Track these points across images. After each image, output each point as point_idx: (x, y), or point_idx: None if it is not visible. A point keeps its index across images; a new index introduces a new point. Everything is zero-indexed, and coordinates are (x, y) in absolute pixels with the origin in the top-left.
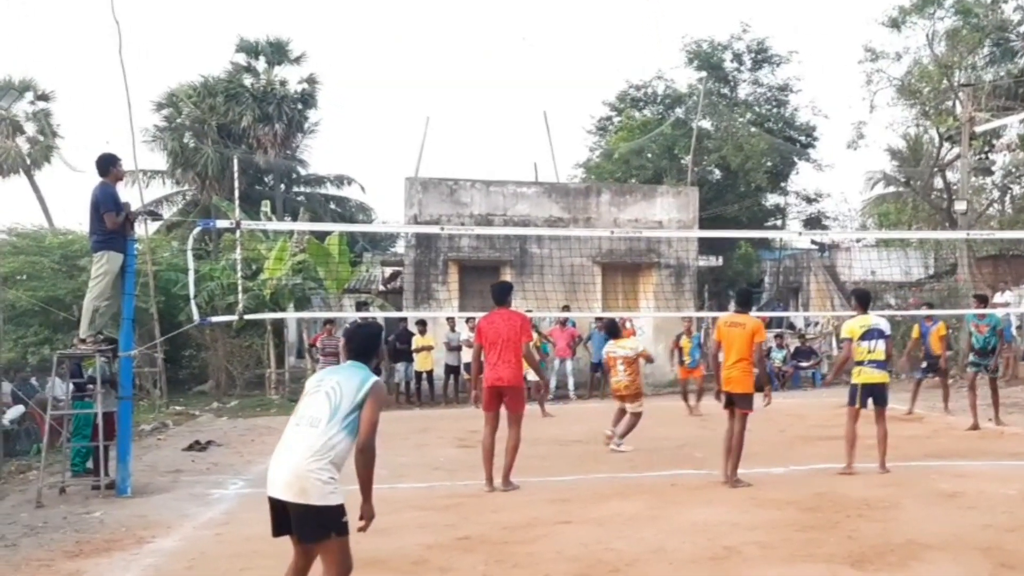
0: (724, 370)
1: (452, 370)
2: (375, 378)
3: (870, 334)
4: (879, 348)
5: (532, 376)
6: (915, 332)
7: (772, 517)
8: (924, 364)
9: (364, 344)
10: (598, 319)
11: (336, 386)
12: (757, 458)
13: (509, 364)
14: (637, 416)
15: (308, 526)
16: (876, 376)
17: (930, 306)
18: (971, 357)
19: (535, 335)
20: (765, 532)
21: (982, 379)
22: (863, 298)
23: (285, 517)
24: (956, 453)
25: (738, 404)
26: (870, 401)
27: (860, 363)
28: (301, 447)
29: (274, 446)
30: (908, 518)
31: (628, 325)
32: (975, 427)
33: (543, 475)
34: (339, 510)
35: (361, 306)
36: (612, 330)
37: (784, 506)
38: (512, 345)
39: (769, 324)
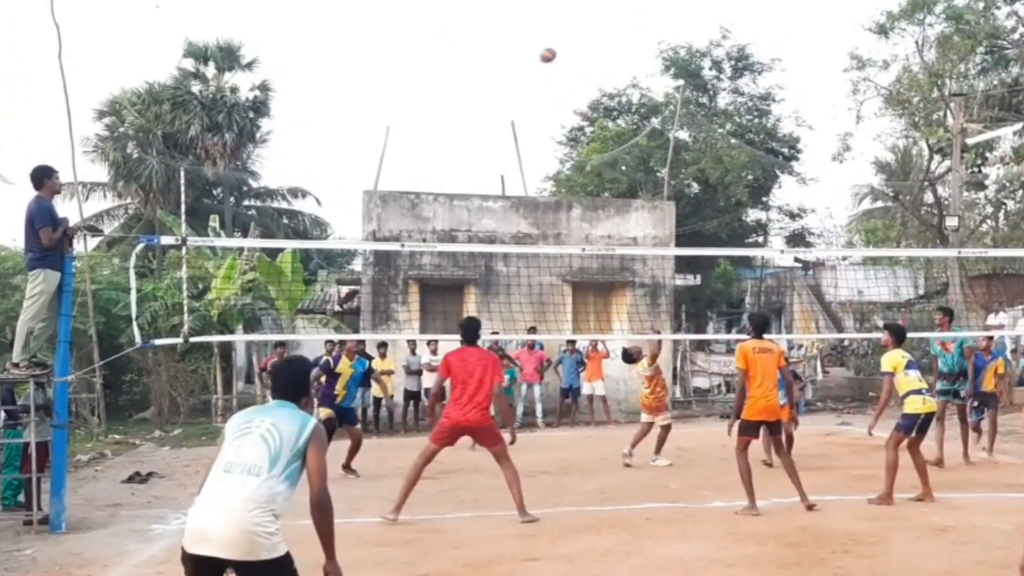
0: (763, 399)
1: (412, 396)
2: (314, 420)
3: (912, 364)
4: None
5: None
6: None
7: (752, 553)
8: (975, 403)
9: (293, 382)
10: (569, 342)
11: (272, 429)
12: (736, 489)
13: (479, 406)
14: (666, 429)
15: None
16: (934, 405)
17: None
18: (939, 384)
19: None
20: (744, 569)
21: (951, 411)
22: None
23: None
24: (948, 484)
25: (779, 430)
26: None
27: (918, 392)
28: (240, 499)
29: None
30: (898, 554)
31: (600, 348)
32: (939, 462)
33: (509, 508)
34: (288, 558)
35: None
36: (628, 359)
37: (765, 541)
38: (484, 387)
39: None
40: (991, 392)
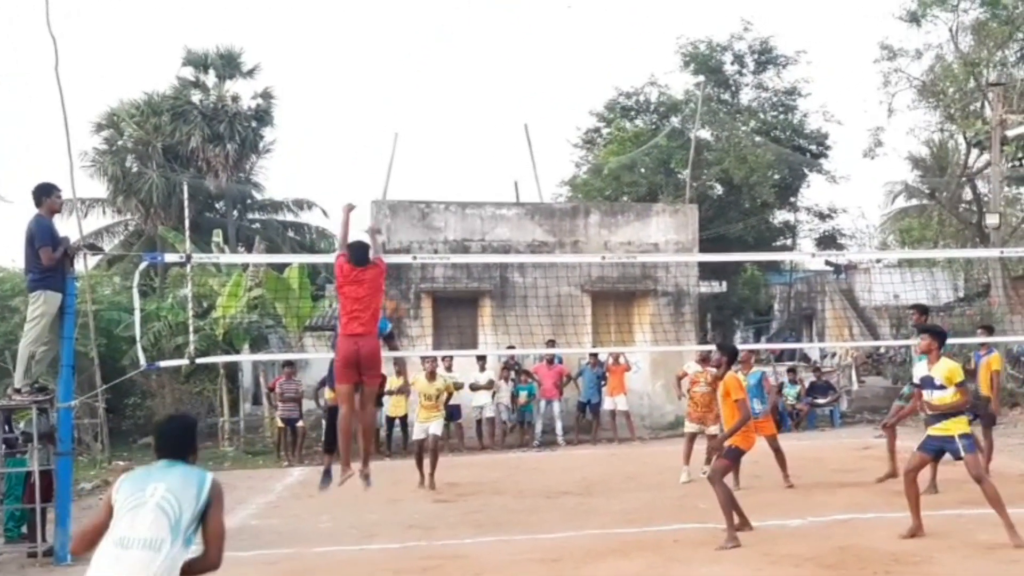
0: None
1: None
2: (211, 476)
3: None
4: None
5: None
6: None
7: (789, 575)
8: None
9: (179, 439)
10: (592, 355)
11: (168, 495)
12: (770, 508)
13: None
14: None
15: None
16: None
17: (989, 329)
18: (904, 388)
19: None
20: None
21: (915, 420)
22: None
23: None
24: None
25: None
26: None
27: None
28: None
29: (229, 504)
30: (943, 574)
31: (621, 360)
32: (891, 475)
33: (531, 531)
34: None
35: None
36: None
37: (802, 563)
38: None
39: (780, 356)
40: (986, 397)
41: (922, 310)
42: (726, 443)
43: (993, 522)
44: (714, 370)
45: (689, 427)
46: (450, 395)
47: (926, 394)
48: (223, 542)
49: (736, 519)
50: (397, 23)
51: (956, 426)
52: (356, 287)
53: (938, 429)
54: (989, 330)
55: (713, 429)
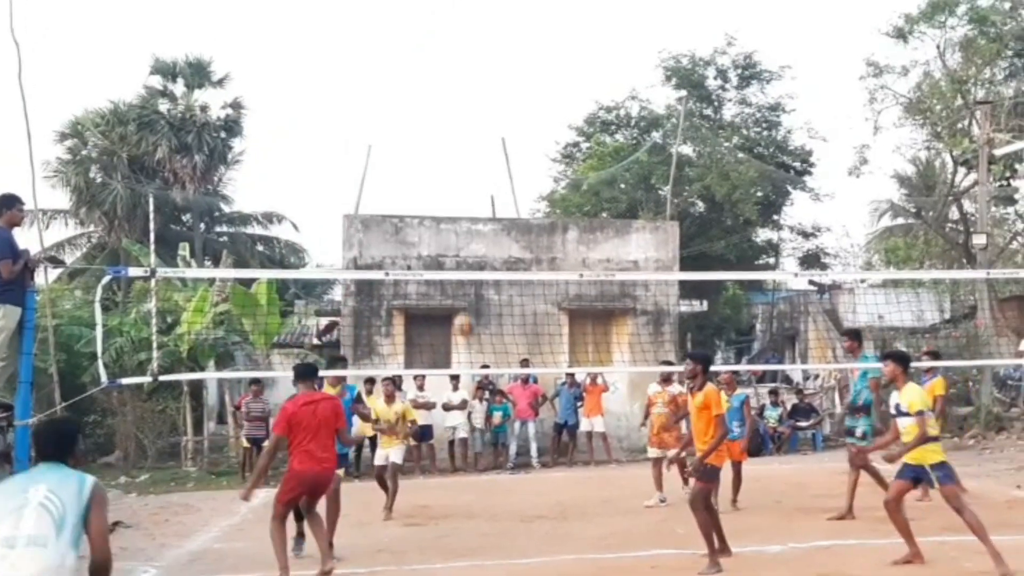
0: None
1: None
2: (92, 479)
3: None
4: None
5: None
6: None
7: None
8: None
9: (58, 442)
10: (568, 375)
11: (51, 495)
12: (750, 533)
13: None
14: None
15: None
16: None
17: (934, 355)
18: (847, 421)
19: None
20: None
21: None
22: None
23: None
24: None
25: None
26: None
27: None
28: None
29: (192, 526)
30: None
31: (599, 381)
32: (846, 515)
33: (504, 556)
34: None
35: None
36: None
37: None
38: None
39: (762, 378)
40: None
41: (854, 335)
42: (703, 463)
43: (977, 549)
44: (674, 389)
45: (651, 452)
46: (412, 421)
47: (900, 422)
48: (106, 541)
49: (717, 543)
50: (372, 33)
51: (929, 455)
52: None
53: (912, 457)
54: (935, 355)
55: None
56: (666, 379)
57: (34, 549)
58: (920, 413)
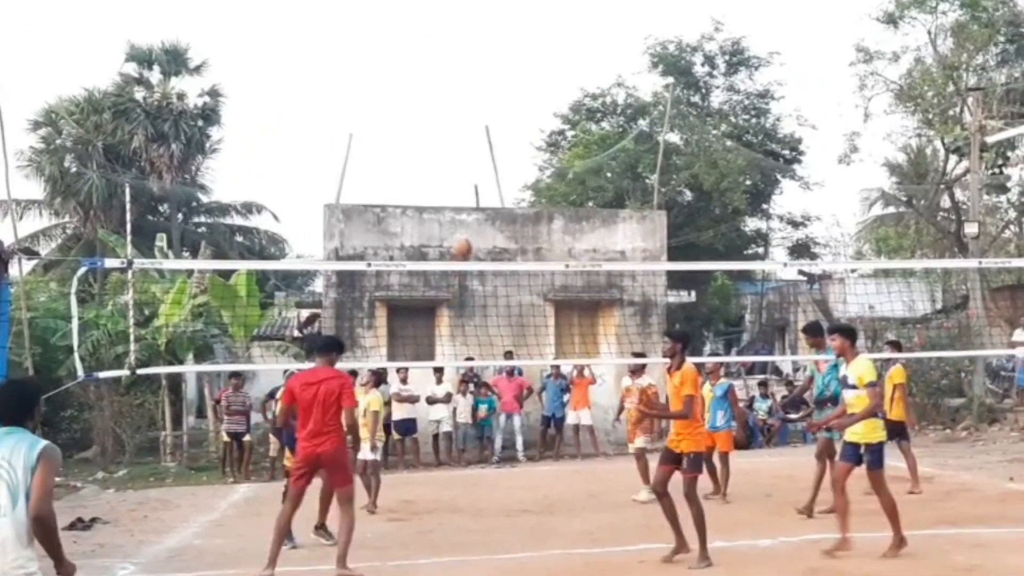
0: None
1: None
2: (45, 442)
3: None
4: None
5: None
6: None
7: None
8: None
9: (15, 405)
10: (553, 367)
11: (6, 464)
12: (740, 528)
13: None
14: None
15: None
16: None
17: (895, 345)
18: (815, 414)
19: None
20: None
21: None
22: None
23: None
24: (973, 519)
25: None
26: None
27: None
28: None
29: (171, 522)
30: None
31: (586, 373)
32: (807, 510)
33: (489, 552)
34: None
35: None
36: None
37: None
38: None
39: (751, 369)
40: (897, 420)
41: (814, 330)
42: (686, 452)
43: (970, 542)
44: (644, 381)
45: (633, 445)
46: (375, 412)
47: (846, 394)
48: (45, 494)
49: (674, 535)
50: (353, 19)
51: (869, 433)
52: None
53: (853, 434)
54: (896, 346)
55: (640, 442)
56: (635, 371)
57: None
58: (872, 384)
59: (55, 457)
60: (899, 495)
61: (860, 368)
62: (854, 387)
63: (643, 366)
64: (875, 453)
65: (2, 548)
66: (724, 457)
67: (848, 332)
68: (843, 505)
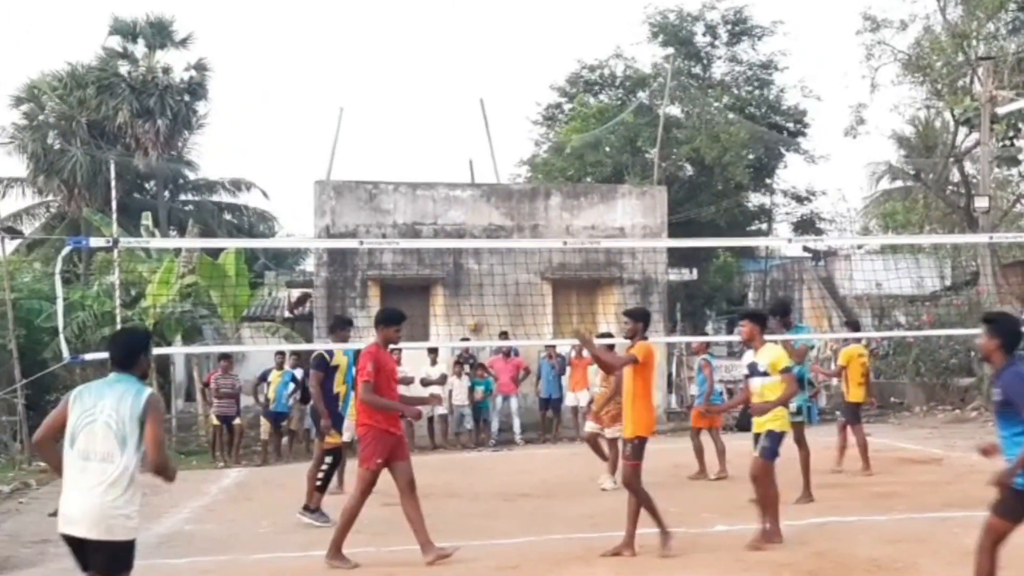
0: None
1: None
2: (148, 390)
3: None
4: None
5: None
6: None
7: None
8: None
9: (126, 352)
10: (548, 347)
11: (112, 412)
12: (743, 511)
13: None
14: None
15: (115, 561)
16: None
17: (854, 326)
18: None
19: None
20: None
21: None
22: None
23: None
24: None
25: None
26: None
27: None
28: (101, 486)
29: (161, 508)
30: None
31: (585, 354)
32: (804, 497)
33: (487, 537)
34: (134, 545)
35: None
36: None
37: (779, 569)
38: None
39: None
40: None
41: (853, 326)
42: (628, 438)
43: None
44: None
45: (588, 426)
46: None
47: (753, 383)
48: (160, 446)
49: (628, 527)
50: None
51: (770, 421)
52: None
53: (759, 424)
54: (855, 326)
55: (610, 432)
56: None
57: (104, 464)
58: (787, 370)
59: (160, 406)
60: (849, 473)
61: (772, 355)
62: (765, 374)
63: (611, 346)
64: (773, 441)
65: (106, 489)
66: (713, 433)
67: (758, 318)
68: (772, 496)
